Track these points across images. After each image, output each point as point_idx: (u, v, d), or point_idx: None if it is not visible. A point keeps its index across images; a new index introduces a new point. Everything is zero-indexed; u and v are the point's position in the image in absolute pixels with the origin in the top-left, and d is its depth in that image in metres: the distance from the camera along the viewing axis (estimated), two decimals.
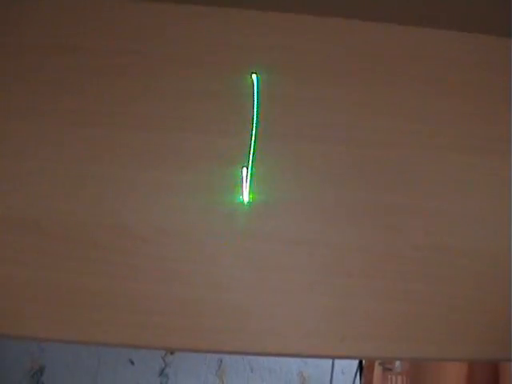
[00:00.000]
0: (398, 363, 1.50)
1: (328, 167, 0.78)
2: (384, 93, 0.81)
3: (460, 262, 0.77)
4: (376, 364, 1.55)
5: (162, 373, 1.77)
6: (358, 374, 1.66)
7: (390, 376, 1.55)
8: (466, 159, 0.80)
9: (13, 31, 0.78)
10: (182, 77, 0.79)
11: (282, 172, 0.77)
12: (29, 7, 0.78)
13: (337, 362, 1.77)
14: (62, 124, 0.76)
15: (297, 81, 0.80)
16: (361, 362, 1.63)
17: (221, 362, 1.81)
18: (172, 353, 1.77)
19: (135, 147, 0.76)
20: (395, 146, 0.79)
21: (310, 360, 1.82)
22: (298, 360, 1.83)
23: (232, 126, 0.77)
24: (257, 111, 0.78)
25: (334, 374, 1.75)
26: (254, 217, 0.76)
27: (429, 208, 0.78)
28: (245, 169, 0.76)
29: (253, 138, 0.77)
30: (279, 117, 0.78)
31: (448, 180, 0.79)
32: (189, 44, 0.79)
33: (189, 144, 0.76)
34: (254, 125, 0.77)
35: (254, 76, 0.78)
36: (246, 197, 0.75)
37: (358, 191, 0.78)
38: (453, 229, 0.78)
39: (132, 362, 1.75)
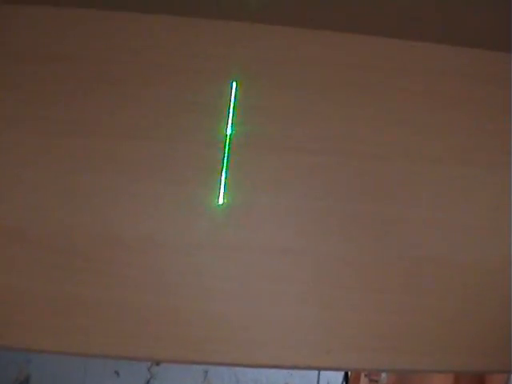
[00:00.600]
0: (383, 375, 1.50)
1: (318, 178, 0.78)
2: (379, 105, 0.81)
3: (451, 273, 0.77)
4: (362, 376, 1.55)
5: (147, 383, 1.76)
6: (344, 381, 1.65)
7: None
8: (462, 171, 0.80)
9: (2, 40, 0.78)
10: (169, 86, 0.79)
11: (272, 182, 0.78)
12: (18, 17, 0.79)
13: (322, 373, 1.77)
14: (51, 133, 0.76)
15: (287, 93, 0.80)
16: (346, 374, 1.63)
17: (206, 373, 1.80)
18: (158, 364, 1.76)
19: (124, 157, 0.76)
20: (388, 157, 0.80)
21: (295, 371, 1.81)
22: (284, 371, 1.82)
23: (219, 136, 0.77)
24: (232, 118, 0.78)
25: (321, 381, 1.74)
26: (243, 227, 0.76)
27: (421, 219, 0.79)
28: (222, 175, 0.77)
29: (227, 145, 0.78)
30: (268, 128, 0.79)
31: (442, 191, 0.79)
32: (176, 54, 0.80)
33: (177, 154, 0.77)
34: (229, 131, 0.78)
35: (233, 84, 0.79)
36: (220, 200, 0.76)
37: (348, 202, 0.78)
38: (444, 241, 0.78)
39: (118, 374, 1.74)
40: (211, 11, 0.79)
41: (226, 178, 0.76)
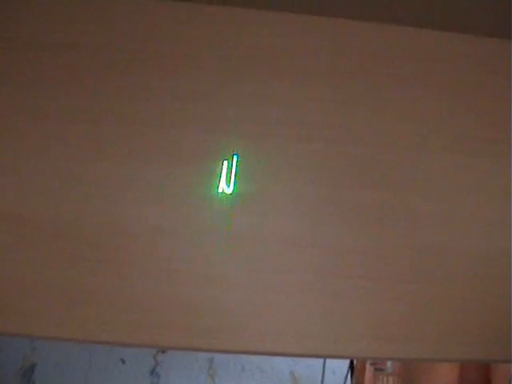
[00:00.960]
0: (389, 364, 1.49)
1: (325, 167, 0.78)
2: (382, 93, 0.81)
3: (457, 262, 0.77)
4: (367, 364, 1.54)
5: (153, 372, 1.76)
6: (349, 374, 1.65)
7: (381, 376, 1.54)
8: (464, 160, 0.80)
9: (9, 29, 0.77)
10: (175, 74, 0.79)
11: (278, 172, 0.77)
12: (26, 5, 0.78)
13: (328, 361, 1.76)
14: (55, 121, 0.76)
15: (291, 81, 0.80)
16: (352, 362, 1.63)
17: (212, 361, 1.80)
18: (163, 352, 1.76)
19: (128, 144, 0.76)
20: (393, 146, 0.80)
21: (301, 360, 1.81)
22: (289, 359, 1.82)
23: (224, 124, 0.78)
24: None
25: (325, 374, 1.74)
26: (250, 217, 0.76)
27: (427, 209, 0.79)
28: (227, 163, 0.77)
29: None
30: (274, 116, 0.79)
31: (445, 181, 0.79)
32: (183, 42, 0.79)
33: (182, 141, 0.77)
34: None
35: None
36: (225, 188, 0.76)
37: (355, 191, 0.78)
38: (450, 230, 0.78)
39: (123, 361, 1.74)
40: None
41: (230, 166, 0.76)
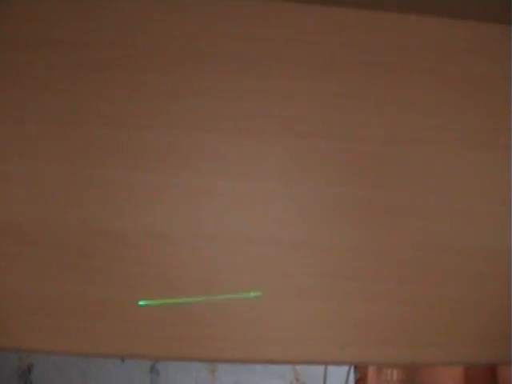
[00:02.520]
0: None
1: (323, 165, 0.76)
2: (381, 85, 0.78)
3: (461, 262, 0.75)
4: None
5: (152, 369, 1.76)
6: (353, 366, 1.66)
7: (385, 369, 1.56)
8: (467, 154, 0.78)
9: None
10: (169, 72, 0.76)
11: (275, 170, 0.75)
12: (12, 2, 0.75)
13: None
14: (46, 124, 0.73)
15: (291, 75, 0.77)
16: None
17: None
18: None
19: (122, 148, 0.73)
20: (393, 141, 0.77)
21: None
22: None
23: (223, 123, 0.75)
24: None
25: (328, 367, 1.74)
26: (248, 219, 0.73)
27: (428, 206, 0.76)
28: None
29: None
30: (274, 112, 0.76)
31: (447, 176, 0.77)
32: (179, 37, 0.77)
33: (178, 143, 0.74)
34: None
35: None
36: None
37: (354, 190, 0.76)
38: (453, 228, 0.76)
39: (122, 359, 1.74)
40: None
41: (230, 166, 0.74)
